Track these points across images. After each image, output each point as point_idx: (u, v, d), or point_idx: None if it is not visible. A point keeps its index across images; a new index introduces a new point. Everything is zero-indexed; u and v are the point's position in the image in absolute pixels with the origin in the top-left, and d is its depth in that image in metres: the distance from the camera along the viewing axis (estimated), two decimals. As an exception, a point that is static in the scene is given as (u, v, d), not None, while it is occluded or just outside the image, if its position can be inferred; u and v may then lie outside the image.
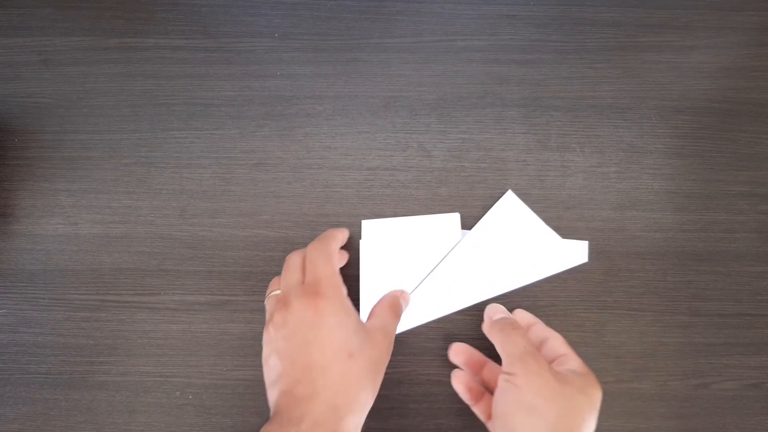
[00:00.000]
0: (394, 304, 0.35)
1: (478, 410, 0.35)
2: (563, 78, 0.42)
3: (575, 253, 0.37)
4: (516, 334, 0.31)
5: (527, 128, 0.42)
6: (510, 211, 0.37)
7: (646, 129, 0.42)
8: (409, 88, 0.42)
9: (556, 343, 0.33)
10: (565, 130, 0.42)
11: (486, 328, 0.35)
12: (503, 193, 0.40)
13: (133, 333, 0.39)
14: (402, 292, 0.37)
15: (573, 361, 0.32)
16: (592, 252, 0.40)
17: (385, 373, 0.32)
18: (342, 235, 0.36)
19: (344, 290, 0.32)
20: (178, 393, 0.38)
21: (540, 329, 0.35)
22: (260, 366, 0.39)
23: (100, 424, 0.38)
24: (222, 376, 0.39)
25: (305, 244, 0.40)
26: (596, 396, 0.30)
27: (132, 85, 0.42)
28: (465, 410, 0.36)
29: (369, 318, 0.34)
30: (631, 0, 0.43)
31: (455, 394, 0.36)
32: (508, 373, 0.30)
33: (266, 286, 0.39)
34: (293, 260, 0.33)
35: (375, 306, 0.35)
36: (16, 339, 0.39)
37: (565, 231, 0.40)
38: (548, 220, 0.40)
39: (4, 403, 0.38)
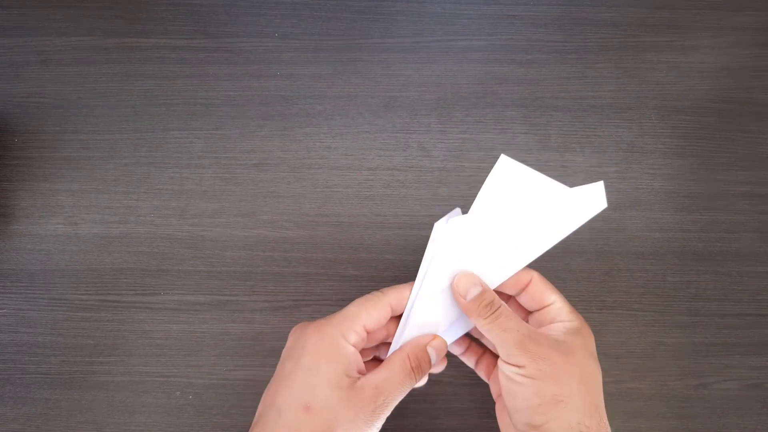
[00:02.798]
0: (416, 359, 0.29)
1: (480, 371, 0.34)
2: (563, 78, 0.42)
3: (592, 199, 0.30)
4: (502, 316, 0.28)
5: (527, 128, 0.42)
6: (509, 178, 0.30)
7: (646, 129, 0.42)
8: (409, 88, 0.42)
9: (538, 289, 0.30)
10: (565, 130, 0.42)
11: (463, 310, 0.30)
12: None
13: (133, 333, 0.39)
14: (436, 338, 0.30)
15: (562, 311, 0.30)
16: (592, 252, 0.40)
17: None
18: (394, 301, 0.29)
19: (353, 335, 0.28)
20: (178, 393, 0.38)
21: (517, 281, 0.31)
22: (260, 366, 0.39)
23: (100, 424, 0.38)
24: (222, 376, 0.39)
25: (305, 244, 0.40)
26: (594, 345, 0.29)
27: (132, 85, 0.42)
28: (465, 410, 0.36)
29: (382, 365, 0.29)
30: (631, 0, 0.43)
31: (455, 394, 0.36)
32: (515, 365, 0.27)
33: (266, 286, 0.40)
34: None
35: (395, 352, 0.29)
36: (16, 339, 0.39)
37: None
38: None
39: (4, 403, 0.38)
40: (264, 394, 0.28)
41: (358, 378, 0.27)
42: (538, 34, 0.43)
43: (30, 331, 0.39)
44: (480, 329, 0.29)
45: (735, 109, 0.42)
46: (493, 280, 0.30)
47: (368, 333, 0.29)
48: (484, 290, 0.29)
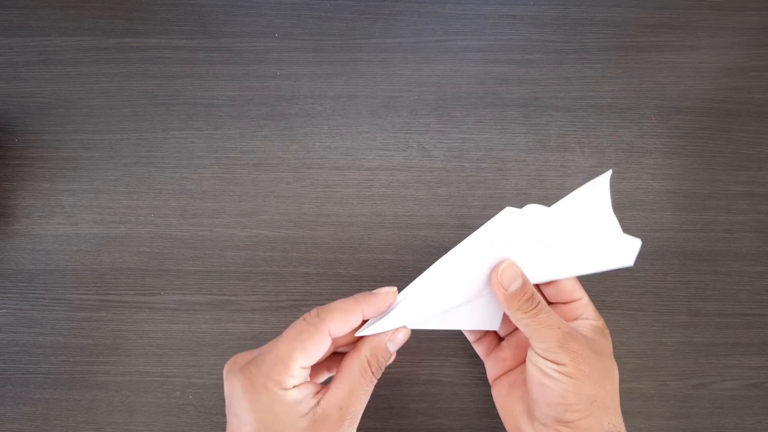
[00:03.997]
0: (377, 362, 0.27)
1: (479, 347, 0.34)
2: (563, 78, 0.42)
3: (624, 252, 0.31)
4: (543, 312, 0.28)
5: (527, 128, 0.42)
6: (593, 200, 0.30)
7: (646, 129, 0.42)
8: (409, 88, 0.42)
9: (569, 283, 0.31)
10: (565, 130, 0.42)
11: (502, 300, 0.29)
12: (503, 194, 0.40)
13: (133, 333, 0.39)
14: (397, 331, 0.28)
15: (588, 308, 0.30)
16: (592, 252, 0.40)
17: (385, 373, 0.31)
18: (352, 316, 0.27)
19: (290, 380, 0.25)
20: (178, 393, 0.38)
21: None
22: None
23: (100, 424, 0.38)
24: (222, 376, 0.39)
25: (305, 244, 0.40)
26: (611, 346, 0.30)
27: (132, 85, 0.42)
28: (465, 410, 0.36)
29: (340, 375, 0.26)
30: (631, 0, 0.43)
31: (455, 394, 0.36)
32: (555, 362, 0.27)
33: (266, 286, 0.40)
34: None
35: (352, 356, 0.27)
36: (16, 339, 0.39)
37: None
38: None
39: (4, 403, 0.38)
40: None
41: (317, 404, 0.25)
42: (538, 34, 0.43)
43: (30, 331, 0.39)
44: (516, 322, 0.29)
45: (735, 109, 0.42)
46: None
47: (311, 366, 0.26)
48: (525, 282, 0.29)
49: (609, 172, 0.30)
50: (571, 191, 0.29)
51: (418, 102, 0.42)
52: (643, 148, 0.41)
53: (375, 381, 0.27)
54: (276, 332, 0.39)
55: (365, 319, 0.28)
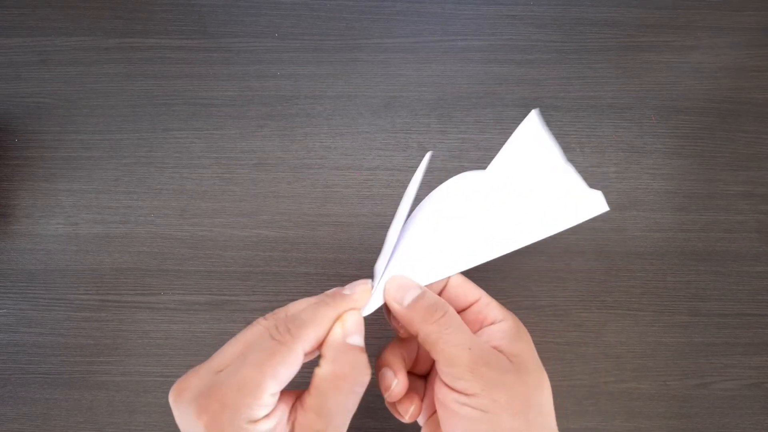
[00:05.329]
0: (349, 368, 0.23)
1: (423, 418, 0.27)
2: (563, 78, 0.42)
3: (593, 199, 0.26)
4: (452, 326, 0.23)
5: (527, 128, 0.41)
6: (530, 142, 0.26)
7: (646, 129, 0.42)
8: (409, 88, 0.42)
9: (459, 287, 0.26)
10: (565, 130, 0.42)
11: (403, 319, 0.24)
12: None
13: (133, 333, 0.39)
14: (351, 320, 0.24)
15: (490, 307, 0.25)
16: (592, 252, 0.40)
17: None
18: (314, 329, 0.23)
19: (258, 411, 0.21)
20: (178, 393, 0.38)
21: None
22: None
23: (100, 424, 0.38)
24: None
25: (305, 244, 0.40)
26: (532, 341, 0.25)
27: (132, 85, 0.42)
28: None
29: (306, 393, 0.23)
30: (631, 0, 0.43)
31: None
32: (463, 393, 0.22)
33: (266, 286, 0.40)
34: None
35: (318, 375, 0.23)
36: (16, 339, 0.39)
37: (565, 231, 0.40)
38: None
39: (4, 403, 0.38)
40: None
41: (293, 429, 0.22)
42: (538, 34, 0.43)
43: (30, 331, 0.39)
44: (422, 341, 0.23)
45: (735, 109, 0.42)
46: (463, 262, 0.26)
47: (281, 391, 0.22)
48: (424, 292, 0.24)
49: (533, 112, 0.26)
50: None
51: (418, 102, 0.42)
52: (643, 148, 0.41)
53: (360, 393, 0.23)
54: (276, 332, 0.39)
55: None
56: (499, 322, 0.25)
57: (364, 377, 0.23)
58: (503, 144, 0.41)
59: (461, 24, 0.43)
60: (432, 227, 0.27)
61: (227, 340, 0.41)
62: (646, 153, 0.41)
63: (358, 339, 0.23)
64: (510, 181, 0.26)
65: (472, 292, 0.25)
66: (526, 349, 0.24)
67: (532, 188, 0.26)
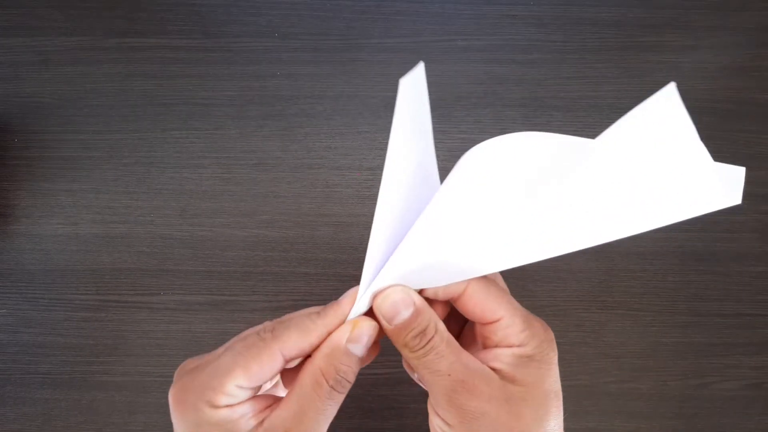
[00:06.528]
0: (333, 371, 0.21)
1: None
2: (563, 78, 0.42)
3: (727, 187, 0.21)
4: (432, 352, 0.21)
5: (527, 128, 0.41)
6: (663, 118, 0.20)
7: (646, 129, 0.42)
8: (409, 88, 0.42)
9: (476, 302, 0.22)
10: (565, 130, 0.42)
11: (387, 333, 0.22)
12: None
13: (133, 333, 0.39)
14: (356, 325, 0.22)
15: (511, 330, 0.22)
16: (592, 252, 0.40)
17: (385, 373, 0.31)
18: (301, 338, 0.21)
19: (222, 398, 0.20)
20: (178, 393, 0.38)
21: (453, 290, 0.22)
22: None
23: (100, 424, 0.38)
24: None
25: (305, 244, 0.40)
26: (556, 371, 0.22)
27: (132, 85, 0.42)
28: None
29: (293, 388, 0.21)
30: (631, 0, 0.43)
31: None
32: (443, 420, 0.21)
33: (266, 286, 0.40)
34: None
35: (305, 367, 0.22)
36: (16, 339, 0.39)
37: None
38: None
39: (4, 403, 0.38)
40: None
41: (260, 424, 0.21)
42: (538, 34, 0.43)
43: (30, 331, 0.39)
44: (404, 358, 0.22)
45: (735, 109, 0.42)
46: (495, 262, 0.21)
47: (252, 389, 0.21)
48: (418, 311, 0.21)
49: (672, 85, 0.19)
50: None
51: (418, 102, 0.42)
52: (643, 148, 0.41)
53: (336, 396, 0.21)
54: (276, 332, 0.39)
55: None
56: (514, 348, 0.22)
57: (349, 381, 0.21)
58: (503, 144, 0.41)
59: (461, 24, 0.43)
60: (462, 209, 0.21)
61: (227, 340, 0.41)
62: (646, 153, 0.41)
63: (358, 348, 0.21)
64: (615, 153, 0.21)
65: (495, 311, 0.22)
66: (535, 376, 0.21)
67: (647, 166, 0.20)
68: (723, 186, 0.21)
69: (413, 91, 0.21)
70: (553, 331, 0.34)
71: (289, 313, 0.36)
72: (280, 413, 0.21)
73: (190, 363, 0.23)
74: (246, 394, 0.21)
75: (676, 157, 0.20)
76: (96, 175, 0.41)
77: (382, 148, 0.41)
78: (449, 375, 0.20)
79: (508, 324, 0.22)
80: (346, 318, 0.22)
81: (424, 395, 0.39)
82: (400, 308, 0.21)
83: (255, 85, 0.42)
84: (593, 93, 0.42)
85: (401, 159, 0.22)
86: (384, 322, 0.21)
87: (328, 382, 0.21)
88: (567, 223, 0.20)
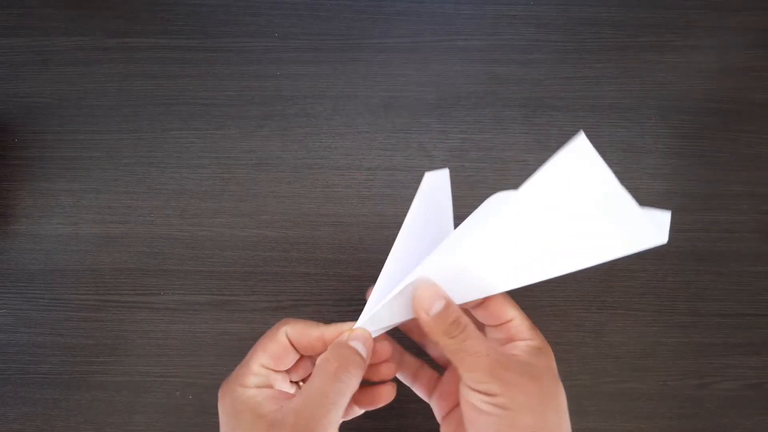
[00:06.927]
0: (337, 358, 0.26)
1: (419, 388, 0.32)
2: (563, 78, 0.42)
3: (654, 228, 0.26)
4: (470, 338, 0.25)
5: (527, 128, 0.41)
6: (576, 166, 0.24)
7: (646, 129, 0.42)
8: (409, 88, 0.42)
9: (497, 304, 0.28)
10: (565, 130, 0.42)
11: (424, 326, 0.26)
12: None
13: (133, 333, 0.39)
14: (353, 329, 0.27)
15: (522, 328, 0.27)
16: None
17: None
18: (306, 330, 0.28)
19: (250, 378, 0.26)
20: (178, 393, 0.38)
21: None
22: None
23: (100, 424, 0.38)
24: (222, 376, 0.38)
25: (305, 244, 0.40)
26: (555, 365, 0.27)
27: (132, 85, 0.42)
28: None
29: (309, 379, 0.26)
30: (631, 0, 0.43)
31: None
32: (485, 393, 0.24)
33: (266, 286, 0.40)
34: None
35: (319, 358, 0.26)
36: (16, 339, 0.39)
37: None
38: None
39: (4, 403, 0.38)
40: None
41: (279, 408, 0.25)
42: (538, 34, 0.43)
43: (30, 331, 0.39)
44: (444, 350, 0.26)
45: (735, 109, 0.42)
46: (492, 287, 0.27)
47: (275, 369, 0.27)
48: (448, 304, 0.26)
49: (581, 133, 0.23)
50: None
51: (418, 102, 0.42)
52: (643, 148, 0.41)
53: (344, 384, 0.25)
54: (276, 332, 0.39)
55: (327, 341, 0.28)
56: (526, 341, 0.27)
57: (353, 369, 0.25)
58: (503, 144, 0.41)
59: (461, 24, 0.43)
60: (472, 245, 0.26)
61: (227, 340, 0.41)
62: (646, 153, 0.41)
63: (359, 345, 0.26)
64: (558, 203, 0.24)
65: (507, 312, 0.27)
66: (544, 364, 0.26)
67: (585, 210, 0.25)
68: (651, 228, 0.25)
69: (436, 183, 0.27)
70: (553, 331, 0.35)
71: (288, 313, 0.39)
72: (294, 399, 0.25)
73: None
74: (268, 377, 0.26)
75: (602, 203, 0.24)
76: (96, 175, 0.41)
77: (382, 148, 0.41)
78: (488, 355, 0.25)
79: (519, 323, 0.27)
80: (341, 332, 0.27)
81: (424, 395, 0.39)
82: (434, 300, 0.26)
83: (255, 85, 0.42)
84: (593, 93, 0.42)
85: (415, 233, 0.28)
86: (423, 315, 0.26)
87: (331, 365, 0.25)
88: (540, 257, 0.26)
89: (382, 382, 0.30)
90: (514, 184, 0.41)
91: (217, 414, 0.38)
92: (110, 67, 0.42)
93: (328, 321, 0.39)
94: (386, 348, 0.29)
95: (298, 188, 0.40)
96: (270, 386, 0.26)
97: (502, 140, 0.41)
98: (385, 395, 0.30)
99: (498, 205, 0.26)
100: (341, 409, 0.25)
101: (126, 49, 0.42)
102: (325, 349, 0.27)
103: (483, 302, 0.28)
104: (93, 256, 0.40)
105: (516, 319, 0.27)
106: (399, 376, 0.32)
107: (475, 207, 0.40)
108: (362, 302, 0.40)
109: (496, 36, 0.43)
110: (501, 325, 0.27)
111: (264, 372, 0.26)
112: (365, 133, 0.41)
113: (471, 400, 0.25)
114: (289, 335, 0.27)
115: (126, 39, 0.42)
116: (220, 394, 0.26)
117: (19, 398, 0.38)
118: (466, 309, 0.28)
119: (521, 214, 0.25)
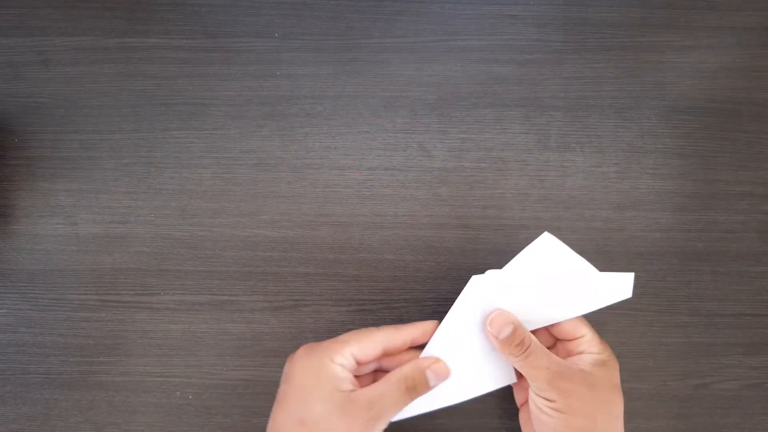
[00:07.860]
0: (413, 380, 0.30)
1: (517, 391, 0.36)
2: (563, 78, 0.42)
3: (619, 287, 0.33)
4: (532, 355, 0.30)
5: (527, 128, 0.42)
6: (546, 252, 0.32)
7: (646, 129, 0.42)
8: (409, 88, 0.42)
9: (570, 324, 0.33)
10: (565, 130, 0.42)
11: (496, 346, 0.32)
12: (503, 194, 0.40)
13: (133, 333, 0.39)
14: (438, 361, 0.32)
15: (592, 344, 0.32)
16: (592, 252, 0.40)
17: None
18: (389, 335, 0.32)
19: (339, 357, 0.30)
20: (178, 393, 0.38)
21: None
22: (260, 366, 0.39)
23: (100, 424, 0.38)
24: (222, 376, 0.39)
25: (305, 244, 0.40)
26: (618, 376, 0.32)
27: (132, 85, 0.42)
28: (464, 410, 0.36)
29: (381, 380, 0.31)
30: (631, 0, 0.43)
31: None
32: (546, 399, 0.30)
33: (266, 286, 0.40)
34: None
35: (395, 370, 0.31)
36: (16, 339, 0.39)
37: (565, 231, 0.40)
38: (548, 220, 0.40)
39: (4, 403, 0.38)
40: (268, 420, 0.30)
41: (353, 391, 0.29)
42: (538, 34, 0.43)
43: (30, 331, 0.39)
44: (513, 363, 0.32)
45: (735, 109, 0.42)
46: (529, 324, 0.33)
47: (357, 362, 0.31)
48: (516, 328, 0.31)
49: (544, 234, 0.32)
50: (571, 191, 0.29)
51: (418, 102, 0.42)
52: (643, 148, 0.41)
53: (409, 399, 0.30)
54: (276, 332, 0.39)
55: (414, 345, 0.33)
56: (593, 354, 0.31)
57: (417, 396, 0.30)
58: (503, 144, 0.41)
59: (461, 24, 0.43)
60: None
61: (227, 340, 0.41)
62: (646, 153, 0.41)
63: (432, 376, 0.31)
64: (537, 277, 0.32)
65: (579, 329, 0.32)
66: (604, 374, 0.31)
67: (558, 278, 0.32)
68: (616, 288, 0.33)
69: (482, 286, 0.32)
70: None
71: (288, 313, 0.39)
72: (368, 389, 0.29)
73: (313, 343, 0.32)
74: (353, 365, 0.30)
75: (572, 274, 0.32)
76: (96, 175, 0.41)
77: (382, 148, 0.41)
78: (548, 368, 0.30)
79: (590, 339, 0.32)
80: (411, 340, 0.32)
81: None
82: (503, 325, 0.31)
83: (255, 85, 0.42)
84: (593, 93, 0.42)
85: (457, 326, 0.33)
86: (493, 337, 0.32)
87: (406, 383, 0.30)
88: (534, 311, 0.33)
89: None
90: (514, 184, 0.41)
91: (217, 414, 0.38)
92: (110, 67, 0.42)
93: (328, 320, 0.39)
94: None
95: (298, 188, 0.41)
96: (351, 371, 0.30)
97: (502, 140, 0.41)
98: None
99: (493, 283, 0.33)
100: (396, 413, 0.30)
101: (126, 49, 0.42)
102: (404, 348, 0.32)
103: (557, 325, 0.33)
104: (93, 256, 0.40)
105: (587, 335, 0.32)
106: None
107: (475, 206, 0.40)
108: (362, 302, 0.40)
109: (496, 36, 0.43)
110: (574, 339, 0.33)
111: (351, 359, 0.30)
112: (365, 133, 0.41)
113: (536, 402, 0.31)
114: (381, 342, 0.31)
115: (126, 39, 0.42)
116: (299, 353, 0.30)
117: (19, 398, 0.38)
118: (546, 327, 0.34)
119: (511, 287, 0.32)
